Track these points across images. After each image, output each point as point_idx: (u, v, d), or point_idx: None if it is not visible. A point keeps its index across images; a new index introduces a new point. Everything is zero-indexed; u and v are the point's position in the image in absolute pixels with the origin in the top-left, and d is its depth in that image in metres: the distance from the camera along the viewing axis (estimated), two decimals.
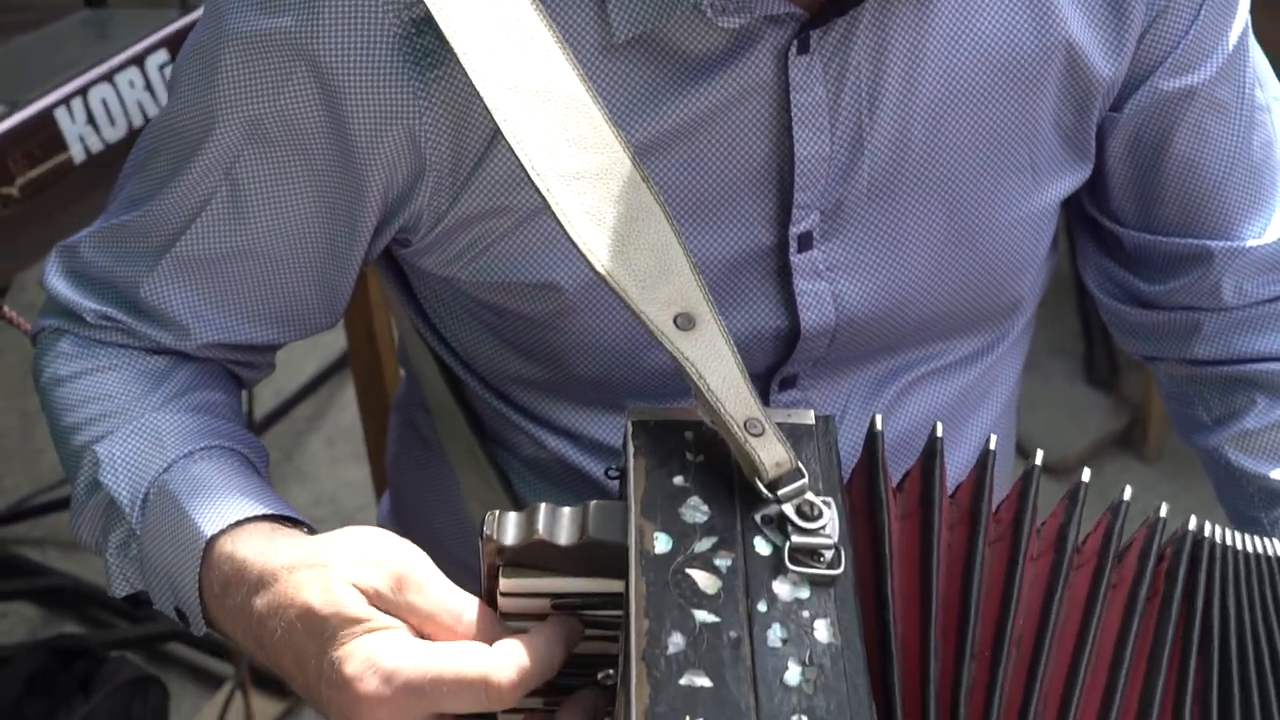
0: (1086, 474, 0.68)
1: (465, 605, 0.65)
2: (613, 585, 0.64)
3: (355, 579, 0.65)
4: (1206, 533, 0.69)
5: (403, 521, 1.07)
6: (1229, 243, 0.87)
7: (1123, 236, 0.90)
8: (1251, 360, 0.90)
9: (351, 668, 0.63)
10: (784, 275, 0.81)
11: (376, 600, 0.65)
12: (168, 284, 0.82)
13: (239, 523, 0.73)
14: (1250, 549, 0.70)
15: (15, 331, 1.63)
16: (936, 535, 0.65)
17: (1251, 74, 0.86)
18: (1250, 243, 0.87)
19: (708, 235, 0.79)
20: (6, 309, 1.30)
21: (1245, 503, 0.91)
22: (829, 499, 0.63)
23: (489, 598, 0.67)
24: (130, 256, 0.83)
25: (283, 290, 0.83)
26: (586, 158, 0.68)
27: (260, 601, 0.68)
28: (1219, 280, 0.87)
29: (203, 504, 0.74)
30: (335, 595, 0.64)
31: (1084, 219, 0.91)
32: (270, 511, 0.74)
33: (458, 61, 0.70)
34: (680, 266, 0.67)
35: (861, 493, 0.67)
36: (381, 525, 1.04)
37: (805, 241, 0.81)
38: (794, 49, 0.75)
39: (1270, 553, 0.70)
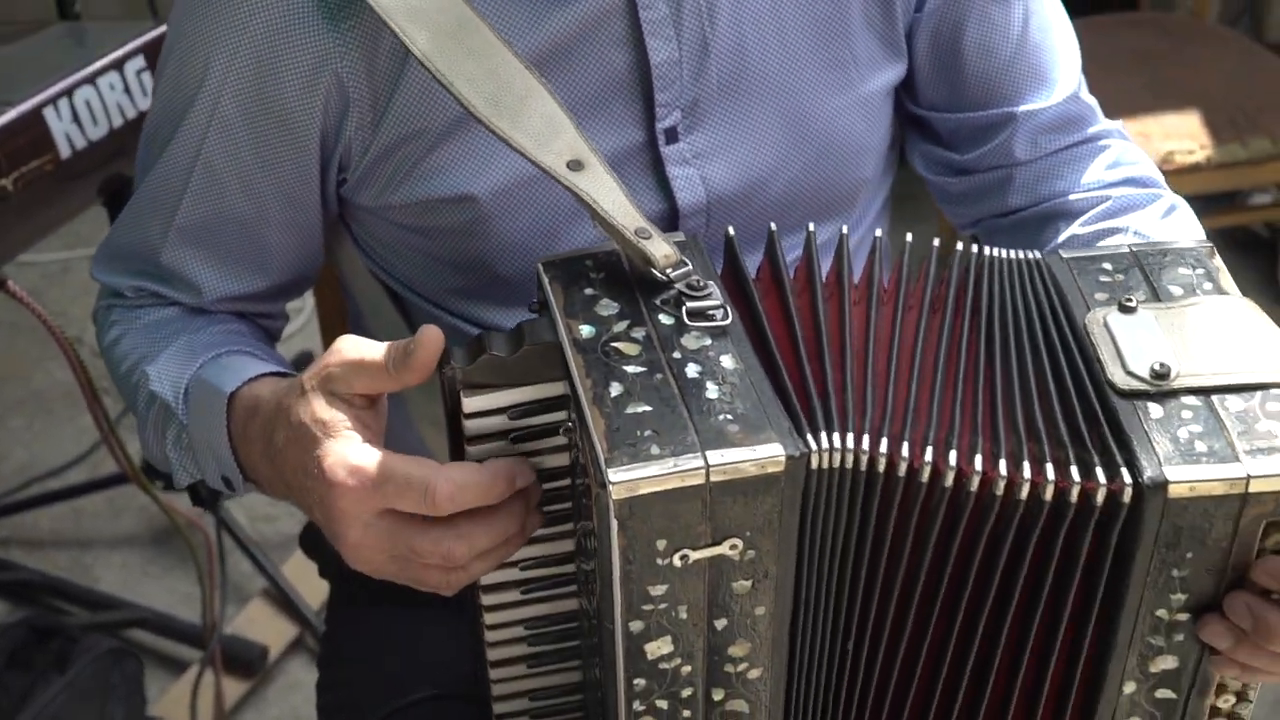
0: (879, 231, 0.88)
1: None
2: (555, 388, 0.80)
3: (319, 384, 0.80)
4: (975, 249, 0.87)
5: None
6: (1023, 108, 1.05)
7: (937, 121, 1.08)
8: (1052, 199, 1.07)
9: (328, 462, 0.78)
10: (658, 165, 0.98)
11: (349, 408, 0.79)
12: (177, 250, 1.00)
13: (252, 379, 0.90)
14: (1015, 256, 0.88)
15: None
16: (791, 299, 0.83)
17: None
18: (1038, 105, 1.05)
19: (587, 134, 0.93)
20: (11, 283, 1.39)
21: None
22: (709, 280, 0.81)
23: (453, 422, 0.81)
24: (145, 231, 1.00)
25: (265, 243, 1.00)
26: (481, 59, 0.86)
27: (269, 423, 0.84)
28: (1019, 140, 1.05)
29: (226, 377, 0.92)
30: (315, 409, 0.79)
31: (907, 115, 1.09)
32: (279, 369, 0.91)
33: (363, 7, 0.88)
34: (565, 126, 0.85)
35: (731, 282, 0.85)
36: None
37: (671, 135, 0.97)
38: None
39: (1031, 257, 0.88)
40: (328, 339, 1.53)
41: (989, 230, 1.12)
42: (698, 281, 0.81)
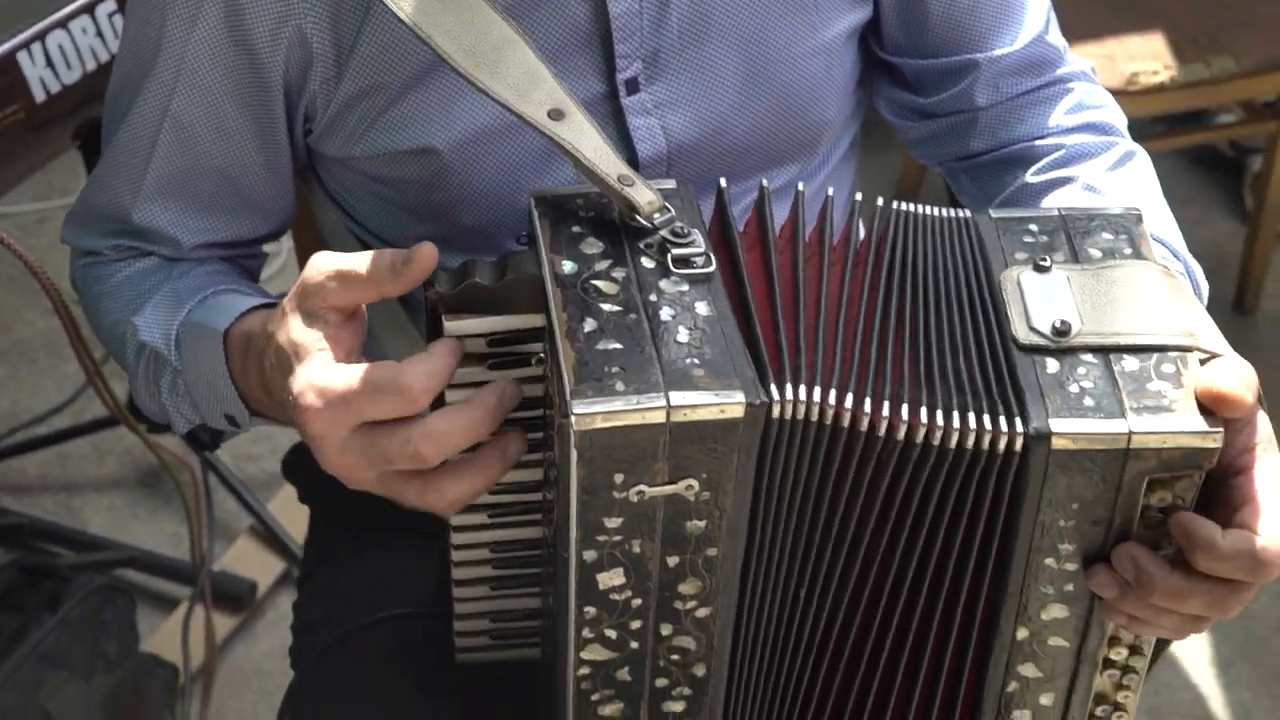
0: (830, 190, 0.90)
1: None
2: (535, 320, 0.82)
3: (297, 304, 0.80)
4: (902, 207, 0.90)
5: None
6: (987, 54, 1.05)
7: (903, 66, 1.08)
8: (1014, 143, 1.08)
9: (297, 387, 0.78)
10: (619, 116, 0.99)
11: (324, 326, 0.79)
12: (150, 206, 1.01)
13: (243, 313, 0.92)
14: (943, 214, 0.90)
15: None
16: (773, 255, 0.85)
17: None
18: (1002, 50, 1.06)
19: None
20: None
21: None
22: (693, 228, 0.83)
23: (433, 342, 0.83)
24: (115, 192, 1.02)
25: (239, 190, 1.01)
26: (457, 11, 0.86)
27: (260, 353, 0.85)
28: (981, 85, 1.06)
29: (217, 316, 0.93)
30: (291, 330, 0.79)
31: (873, 60, 1.10)
32: (268, 300, 0.93)
33: None
34: (544, 76, 0.86)
35: (717, 233, 0.86)
36: None
37: (632, 86, 0.98)
38: None
39: (960, 214, 0.90)
40: None
41: (951, 172, 1.14)
42: (681, 228, 0.82)
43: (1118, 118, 1.10)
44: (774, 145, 1.04)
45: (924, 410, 0.80)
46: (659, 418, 0.75)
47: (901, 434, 0.80)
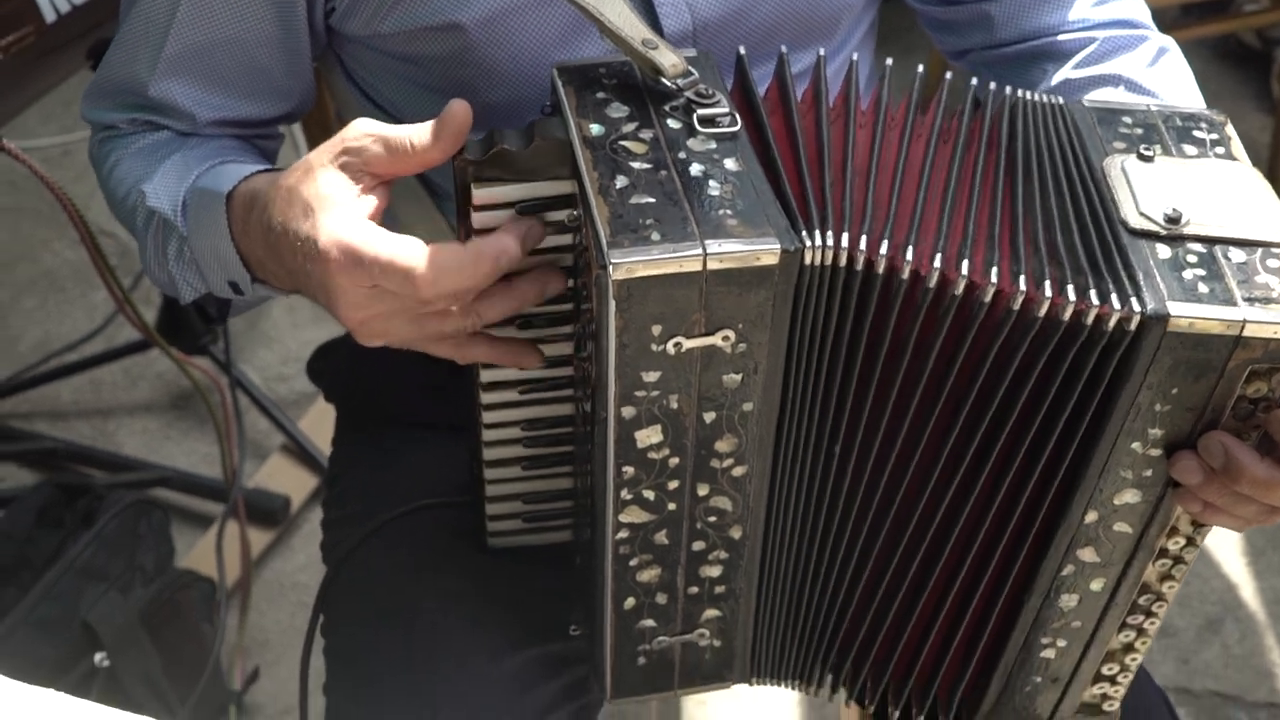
0: (889, 60, 0.89)
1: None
2: (565, 186, 0.82)
3: (331, 158, 0.82)
4: (995, 86, 0.89)
5: None
6: None
7: None
8: (1039, 36, 1.07)
9: (321, 238, 0.80)
10: None
11: (355, 184, 0.81)
12: (168, 80, 1.00)
13: (248, 177, 0.92)
14: (1038, 99, 0.91)
15: None
16: (796, 117, 0.85)
17: None
18: None
19: None
20: (7, 141, 1.41)
21: None
22: (718, 91, 0.83)
23: (463, 214, 0.83)
24: (133, 65, 1.01)
25: (257, 66, 1.01)
26: None
27: (266, 209, 0.85)
28: None
29: (222, 180, 0.94)
30: (319, 182, 0.81)
31: None
32: (274, 167, 0.92)
33: None
34: None
35: (740, 99, 0.86)
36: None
37: None
38: None
39: (1054, 100, 0.90)
40: None
41: (975, 64, 1.12)
42: (706, 90, 0.83)
43: (1143, 10, 1.09)
44: (797, 24, 1.03)
45: (1022, 279, 0.79)
46: (695, 265, 0.75)
47: (988, 296, 0.79)
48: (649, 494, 0.84)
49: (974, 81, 0.90)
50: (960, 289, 0.79)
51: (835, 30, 1.07)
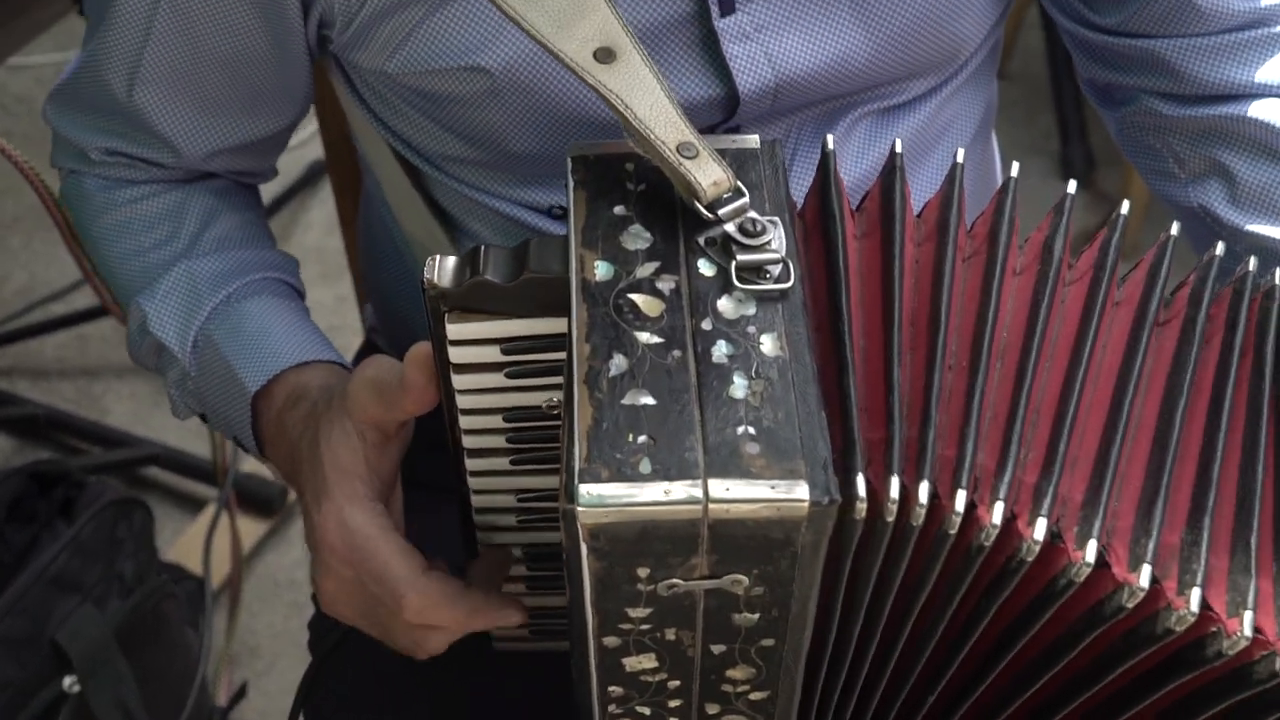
0: (1072, 185, 0.68)
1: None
2: (558, 324, 0.63)
3: (348, 419, 0.75)
4: (1251, 267, 0.68)
5: (385, 323, 1.12)
6: None
7: None
8: (1222, 98, 0.86)
9: (324, 519, 0.75)
10: (710, 42, 0.80)
11: (363, 445, 0.75)
12: (147, 102, 0.87)
13: (276, 376, 0.84)
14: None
15: None
16: (899, 249, 0.64)
17: None
18: None
19: (622, 5, 0.76)
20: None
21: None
22: (775, 218, 0.62)
23: (439, 347, 0.67)
24: (107, 79, 0.87)
25: (246, 85, 0.87)
26: None
27: (302, 433, 0.79)
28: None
29: (244, 357, 0.85)
30: (336, 442, 0.75)
31: None
32: (297, 362, 0.84)
33: None
34: (595, 4, 0.67)
35: (815, 214, 0.66)
36: (370, 329, 1.11)
37: (727, 5, 0.79)
38: None
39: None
40: (332, 155, 1.39)
41: (1141, 129, 0.91)
42: (754, 224, 0.62)
43: None
44: (902, 69, 0.85)
45: (1250, 612, 0.58)
46: (693, 512, 0.56)
47: (1133, 601, 0.59)
48: (644, 709, 0.67)
49: (1218, 250, 0.68)
50: (1127, 600, 0.59)
51: (951, 65, 0.89)
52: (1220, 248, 0.69)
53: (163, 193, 0.92)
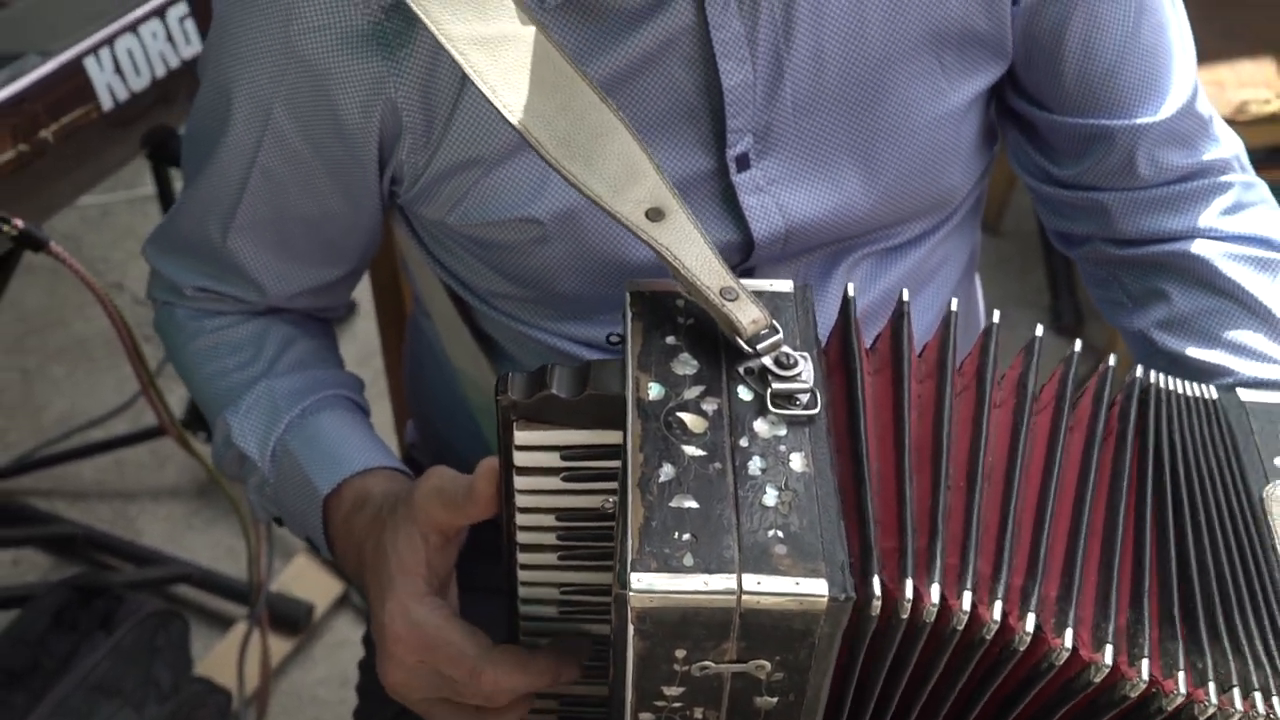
0: (1040, 329, 0.78)
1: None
2: (613, 436, 0.74)
3: (413, 521, 0.81)
4: (1152, 379, 0.79)
5: (426, 440, 1.21)
6: (1126, 121, 0.95)
7: (1035, 119, 0.98)
8: (1160, 240, 0.98)
9: (391, 610, 0.80)
10: (729, 194, 0.90)
11: (425, 547, 0.81)
12: (238, 248, 0.98)
13: (344, 481, 0.91)
14: (1190, 392, 0.80)
15: (12, 290, 1.68)
16: (907, 385, 0.74)
17: None
18: (1144, 120, 0.94)
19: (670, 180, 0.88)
20: (55, 245, 1.35)
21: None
22: (805, 353, 0.73)
23: (504, 452, 0.76)
24: (205, 228, 0.98)
25: (326, 237, 0.98)
26: (553, 93, 0.79)
27: (366, 534, 0.87)
28: (1131, 157, 0.95)
29: (316, 464, 0.93)
30: (401, 541, 0.81)
31: (1003, 107, 1.00)
32: (363, 468, 0.92)
33: (421, 38, 0.83)
34: (646, 170, 0.77)
35: (837, 352, 0.77)
36: (410, 446, 1.19)
37: (743, 162, 0.90)
38: None
39: (1207, 395, 0.80)
40: (380, 295, 1.49)
41: (1095, 263, 1.03)
42: (787, 358, 0.72)
43: (1273, 216, 0.99)
44: (900, 214, 0.96)
45: (1182, 676, 0.68)
46: (728, 602, 0.66)
47: (1131, 691, 0.68)
48: None
49: (1137, 372, 0.80)
50: (1095, 675, 0.69)
51: (944, 209, 0.99)
52: (1113, 359, 0.80)
53: (245, 321, 1.01)
